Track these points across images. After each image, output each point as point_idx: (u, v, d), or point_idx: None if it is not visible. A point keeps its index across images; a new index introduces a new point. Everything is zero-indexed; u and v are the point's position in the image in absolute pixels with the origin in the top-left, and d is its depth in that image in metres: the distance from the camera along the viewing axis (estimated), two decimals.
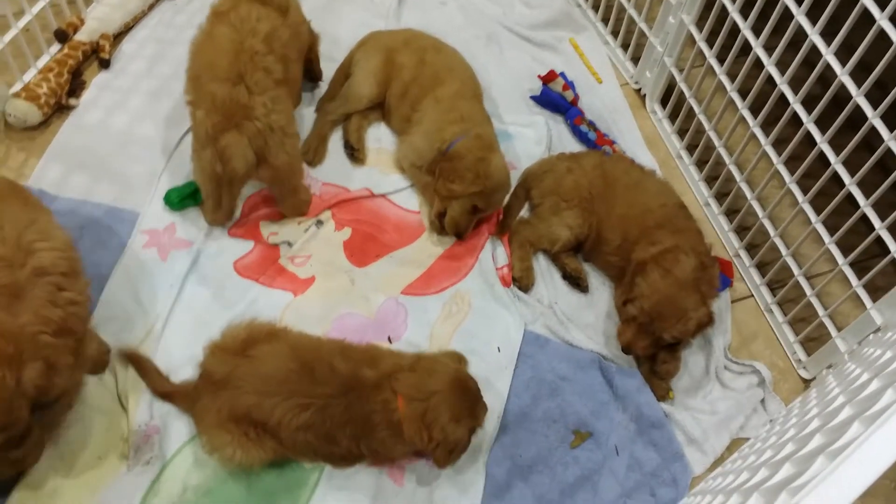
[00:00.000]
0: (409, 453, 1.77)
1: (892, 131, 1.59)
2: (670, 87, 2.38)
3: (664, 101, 2.46)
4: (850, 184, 1.71)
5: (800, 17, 1.76)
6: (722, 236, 2.25)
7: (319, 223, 2.16)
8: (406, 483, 1.79)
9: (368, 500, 1.76)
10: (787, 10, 1.81)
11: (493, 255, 2.15)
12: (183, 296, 2.00)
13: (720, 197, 2.26)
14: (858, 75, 1.67)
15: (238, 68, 1.80)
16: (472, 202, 2.05)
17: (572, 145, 2.41)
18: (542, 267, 2.14)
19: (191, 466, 1.78)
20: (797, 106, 1.83)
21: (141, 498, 1.73)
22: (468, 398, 1.66)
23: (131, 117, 2.34)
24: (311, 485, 1.78)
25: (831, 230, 1.86)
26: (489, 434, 1.85)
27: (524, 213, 2.23)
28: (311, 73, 2.37)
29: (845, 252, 1.84)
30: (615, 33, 2.65)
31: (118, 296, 1.98)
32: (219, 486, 1.76)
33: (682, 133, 2.40)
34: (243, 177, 1.87)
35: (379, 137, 2.36)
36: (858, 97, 1.64)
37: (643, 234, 2.00)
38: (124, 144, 2.27)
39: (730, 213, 2.25)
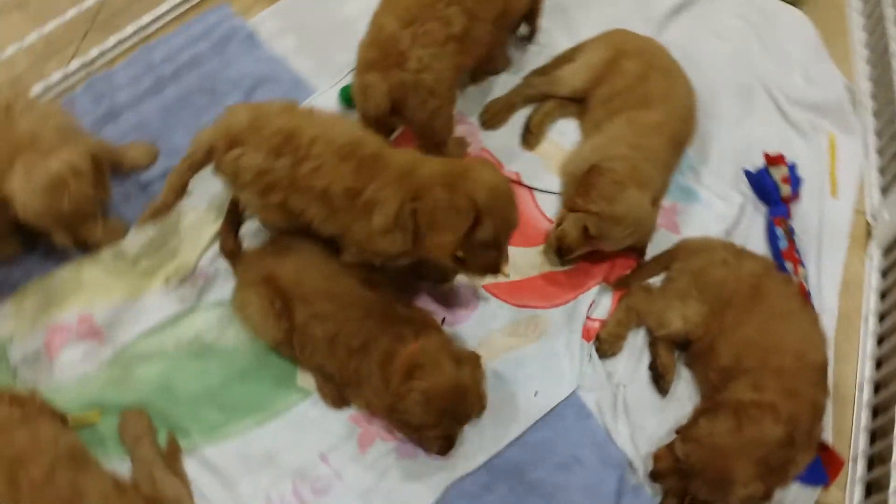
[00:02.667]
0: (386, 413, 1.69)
1: None
2: None
3: (888, 252, 2.02)
4: None
5: None
6: (854, 429, 1.82)
7: None
8: (368, 454, 1.73)
9: (326, 445, 1.74)
10: None
11: (592, 302, 1.93)
12: None
13: (879, 387, 1.83)
14: None
15: (414, 11, 1.75)
16: (584, 222, 1.85)
17: (756, 242, 2.05)
18: (636, 343, 1.89)
19: (212, 323, 1.86)
20: None
21: (158, 322, 1.85)
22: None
23: (368, 7, 2.39)
24: (290, 401, 1.79)
25: None
26: (464, 468, 1.72)
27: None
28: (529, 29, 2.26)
29: None
30: (881, 152, 2.20)
31: None
32: (220, 352, 1.83)
33: (882, 295, 1.96)
34: (376, 120, 1.83)
35: (565, 132, 2.20)
36: None
37: (754, 372, 1.68)
38: (344, 29, 2.29)
39: (877, 410, 1.82)
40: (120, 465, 1.65)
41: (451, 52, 1.81)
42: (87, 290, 1.89)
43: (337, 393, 1.77)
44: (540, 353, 1.87)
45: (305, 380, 1.80)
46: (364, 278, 1.72)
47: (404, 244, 1.60)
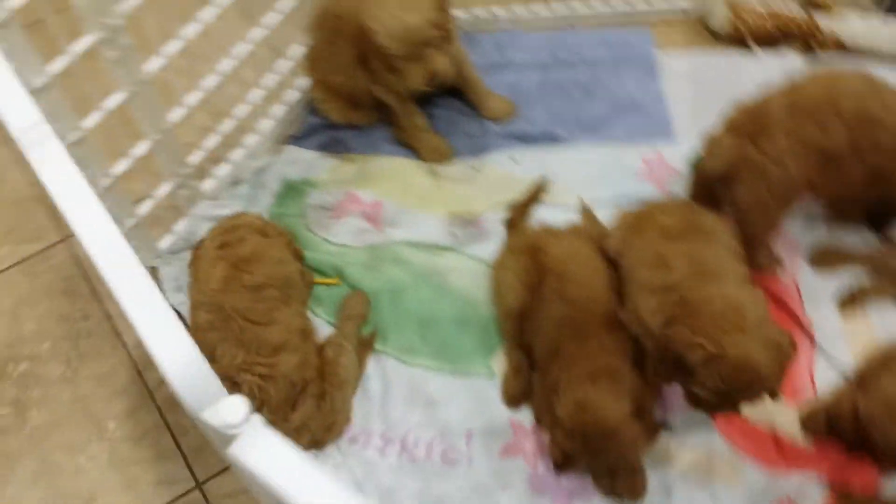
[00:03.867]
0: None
1: None
2: None
3: None
4: None
5: None
6: None
7: None
8: (504, 462, 1.74)
9: (477, 428, 1.78)
10: None
11: (802, 489, 1.71)
12: None
13: None
14: None
15: (806, 107, 1.71)
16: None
17: None
18: None
19: (464, 270, 1.99)
20: None
21: (425, 241, 2.05)
22: None
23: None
24: (476, 372, 1.85)
25: None
26: None
27: None
28: None
29: None
30: None
31: None
32: (455, 296, 1.95)
33: None
34: (706, 181, 1.83)
35: (888, 318, 1.91)
36: None
37: None
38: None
39: None
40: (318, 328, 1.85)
41: (809, 162, 1.71)
42: (393, 183, 2.13)
43: (517, 393, 1.80)
44: (718, 494, 1.71)
45: (499, 364, 1.86)
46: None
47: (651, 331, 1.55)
